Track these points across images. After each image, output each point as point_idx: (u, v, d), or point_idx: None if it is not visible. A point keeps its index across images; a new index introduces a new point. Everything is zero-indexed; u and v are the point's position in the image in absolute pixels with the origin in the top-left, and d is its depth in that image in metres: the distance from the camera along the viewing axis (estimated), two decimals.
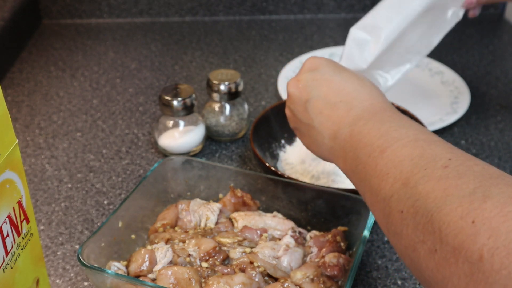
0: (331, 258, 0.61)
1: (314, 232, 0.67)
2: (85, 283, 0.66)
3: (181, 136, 0.84)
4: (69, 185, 0.81)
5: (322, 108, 0.59)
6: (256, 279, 0.59)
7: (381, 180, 0.47)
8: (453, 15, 0.76)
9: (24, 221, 0.51)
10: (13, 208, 0.49)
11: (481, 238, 0.35)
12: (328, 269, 0.60)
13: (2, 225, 0.47)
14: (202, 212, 0.69)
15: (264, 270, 0.60)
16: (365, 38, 0.68)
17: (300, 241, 0.65)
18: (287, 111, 0.66)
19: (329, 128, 0.58)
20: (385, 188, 0.46)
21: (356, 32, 0.68)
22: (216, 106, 0.88)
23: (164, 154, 0.87)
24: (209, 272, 0.60)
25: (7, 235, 0.48)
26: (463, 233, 0.36)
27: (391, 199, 0.45)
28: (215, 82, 0.85)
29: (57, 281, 0.67)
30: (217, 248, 0.63)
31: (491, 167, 0.42)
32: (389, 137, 0.49)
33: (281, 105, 0.87)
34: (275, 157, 0.83)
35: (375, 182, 0.48)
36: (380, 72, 0.73)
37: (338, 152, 0.56)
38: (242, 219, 0.68)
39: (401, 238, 0.43)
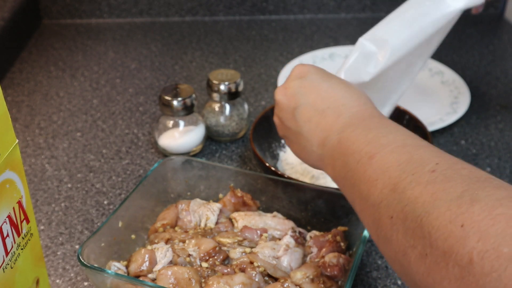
0: (331, 258, 0.61)
1: (314, 232, 0.67)
2: (85, 283, 0.66)
3: (181, 136, 0.84)
4: (69, 185, 0.81)
5: (310, 116, 0.59)
6: (256, 279, 0.59)
7: (370, 186, 0.47)
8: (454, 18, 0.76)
9: (24, 221, 0.51)
10: (13, 208, 0.49)
11: (470, 241, 0.35)
12: (328, 269, 0.60)
13: (2, 225, 0.47)
14: (202, 212, 0.69)
15: (264, 270, 0.60)
16: (373, 50, 0.67)
17: (300, 241, 0.65)
18: (275, 119, 0.66)
19: (317, 135, 0.58)
20: (374, 194, 0.46)
21: (364, 43, 0.67)
22: (216, 106, 0.88)
23: (164, 154, 0.87)
24: (209, 272, 0.60)
25: (7, 235, 0.48)
26: (453, 237, 0.36)
27: (380, 205, 0.45)
28: (215, 82, 0.85)
29: (57, 281, 0.67)
30: (217, 248, 0.63)
31: (479, 170, 0.42)
32: (377, 143, 0.50)
33: None
34: (275, 157, 0.83)
35: (364, 189, 0.48)
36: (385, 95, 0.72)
37: (327, 160, 0.56)
38: (242, 219, 0.68)
39: (391, 243, 0.43)
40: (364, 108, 0.57)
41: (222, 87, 0.85)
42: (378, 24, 0.69)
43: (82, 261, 0.57)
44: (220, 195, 0.73)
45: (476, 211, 0.36)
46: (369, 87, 0.68)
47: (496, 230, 0.34)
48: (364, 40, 0.67)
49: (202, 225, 0.68)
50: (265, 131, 0.83)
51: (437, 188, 0.40)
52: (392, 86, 0.74)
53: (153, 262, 0.61)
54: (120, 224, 0.65)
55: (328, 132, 0.56)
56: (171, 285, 0.57)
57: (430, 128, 0.88)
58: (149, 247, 0.63)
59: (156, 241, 0.65)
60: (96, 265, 0.58)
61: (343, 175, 0.52)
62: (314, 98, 0.59)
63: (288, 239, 0.64)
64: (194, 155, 0.86)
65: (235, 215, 0.69)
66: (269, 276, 0.60)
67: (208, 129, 0.88)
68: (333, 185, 0.77)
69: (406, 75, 0.73)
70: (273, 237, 0.66)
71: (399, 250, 0.42)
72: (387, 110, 0.75)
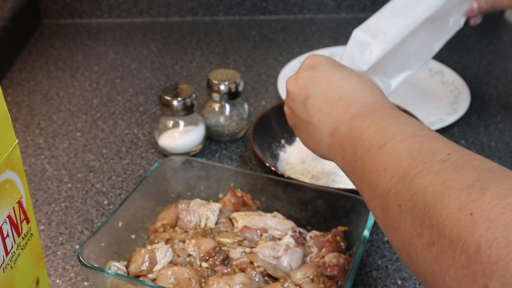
0: (331, 258, 0.61)
1: (314, 232, 0.67)
2: (85, 283, 0.66)
3: (181, 136, 0.84)
4: (69, 185, 0.81)
5: (321, 105, 0.59)
6: (256, 279, 0.59)
7: (379, 175, 0.47)
8: (454, 23, 0.76)
9: (24, 221, 0.51)
10: (13, 208, 0.49)
11: (479, 229, 0.35)
12: (328, 269, 0.60)
13: (2, 225, 0.47)
14: (202, 212, 0.69)
15: (264, 270, 0.60)
16: (367, 40, 0.68)
17: (300, 241, 0.65)
18: (286, 109, 0.66)
19: (328, 125, 0.58)
20: (383, 182, 0.46)
21: (358, 33, 0.68)
22: (216, 106, 0.88)
23: (164, 154, 0.87)
24: (209, 272, 0.60)
25: (7, 235, 0.48)
26: (461, 225, 0.36)
27: (389, 193, 0.45)
28: (215, 82, 0.85)
29: (57, 281, 0.67)
30: (217, 248, 0.63)
31: (490, 161, 0.42)
32: (388, 132, 0.49)
33: (281, 105, 0.87)
34: (275, 157, 0.83)
35: (374, 177, 0.48)
36: (382, 78, 0.73)
37: (336, 149, 0.56)
38: (242, 219, 0.68)
39: (399, 232, 0.43)
40: (376, 99, 0.57)
41: (222, 87, 0.85)
42: (372, 16, 0.70)
43: (82, 261, 0.57)
44: (220, 195, 0.73)
45: (487, 200, 0.36)
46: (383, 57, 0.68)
47: (506, 219, 0.34)
48: (358, 31, 0.68)
49: (202, 225, 0.68)
50: (265, 131, 0.83)
51: (448, 177, 0.40)
52: (408, 55, 0.74)
53: (153, 262, 0.61)
54: (120, 224, 0.65)
55: (339, 121, 0.56)
56: (171, 285, 0.57)
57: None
58: (149, 247, 0.63)
59: (156, 241, 0.65)
60: (96, 265, 0.58)
61: (352, 164, 0.52)
62: (326, 88, 0.60)
63: (288, 239, 0.64)
64: (194, 155, 0.86)
65: (235, 215, 0.69)
66: (269, 276, 0.60)
67: (208, 129, 0.88)
68: (333, 185, 0.77)
69: (423, 46, 0.74)
70: (273, 237, 0.66)
71: (406, 238, 0.42)
72: (397, 82, 0.75)
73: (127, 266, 0.62)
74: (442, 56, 1.13)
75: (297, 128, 0.64)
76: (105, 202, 0.78)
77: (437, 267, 0.38)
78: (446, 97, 1.00)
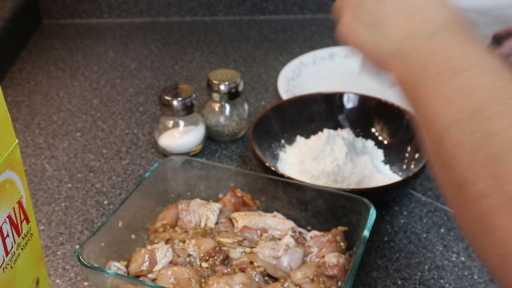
0: (331, 258, 0.61)
1: (314, 232, 0.67)
2: (85, 283, 0.66)
3: (181, 136, 0.84)
4: (69, 185, 0.81)
5: (402, 7, 0.52)
6: (256, 279, 0.59)
7: (443, 104, 0.41)
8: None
9: (24, 221, 0.51)
10: (13, 208, 0.49)
11: None
12: (328, 269, 0.60)
13: (2, 225, 0.47)
14: (202, 212, 0.69)
15: (264, 270, 0.60)
16: None
17: (300, 241, 0.65)
18: None
19: (403, 29, 0.51)
20: (446, 113, 0.41)
21: None
22: (216, 106, 0.88)
23: (164, 154, 0.87)
24: (209, 272, 0.60)
25: (7, 235, 0.48)
26: None
27: (451, 127, 0.40)
28: (215, 82, 0.85)
29: (57, 281, 0.67)
30: (217, 248, 0.63)
31: None
32: (467, 60, 0.43)
33: (281, 105, 0.87)
34: (275, 157, 0.83)
35: (436, 105, 0.42)
36: None
37: (402, 57, 0.50)
38: (242, 219, 0.68)
39: (449, 171, 0.39)
40: (461, 24, 0.50)
41: (222, 87, 0.85)
42: None
43: (82, 261, 0.57)
44: (220, 195, 0.73)
45: None
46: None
47: None
48: None
49: (202, 225, 0.68)
50: (265, 131, 0.83)
51: None
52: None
53: (153, 262, 0.61)
54: (120, 224, 0.65)
55: (417, 30, 0.50)
56: (171, 285, 0.57)
57: None
58: (149, 247, 0.63)
59: (156, 241, 0.65)
60: (96, 265, 0.58)
61: (413, 81, 0.46)
62: None
63: (288, 239, 0.64)
64: (194, 155, 0.86)
65: (235, 215, 0.69)
66: (269, 276, 0.60)
67: (208, 129, 0.88)
68: (333, 185, 0.77)
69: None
70: (273, 237, 0.66)
71: (457, 181, 0.38)
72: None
73: (127, 266, 0.62)
74: None
75: (354, 21, 0.56)
76: (105, 202, 0.78)
77: (485, 221, 0.35)
78: None
